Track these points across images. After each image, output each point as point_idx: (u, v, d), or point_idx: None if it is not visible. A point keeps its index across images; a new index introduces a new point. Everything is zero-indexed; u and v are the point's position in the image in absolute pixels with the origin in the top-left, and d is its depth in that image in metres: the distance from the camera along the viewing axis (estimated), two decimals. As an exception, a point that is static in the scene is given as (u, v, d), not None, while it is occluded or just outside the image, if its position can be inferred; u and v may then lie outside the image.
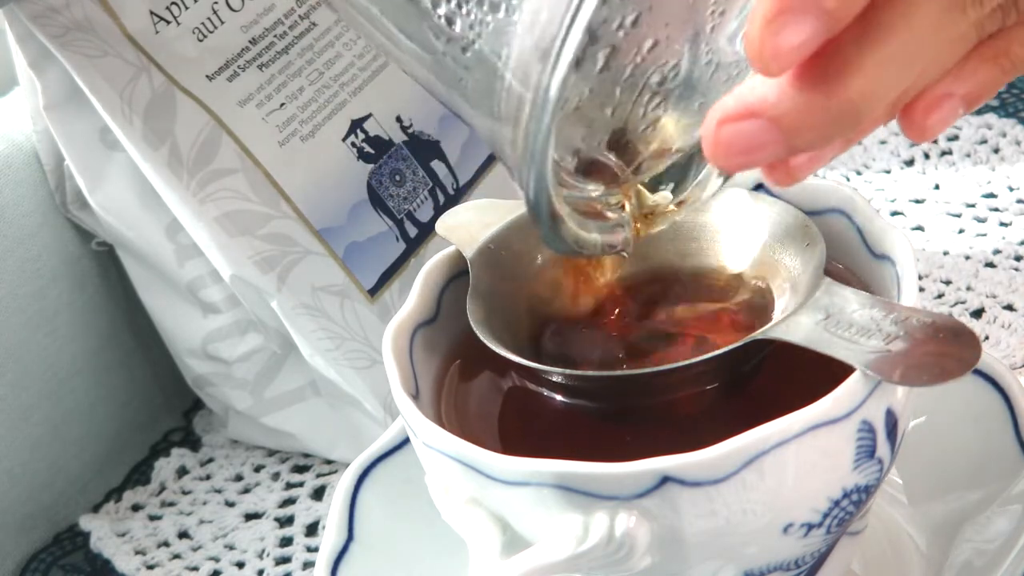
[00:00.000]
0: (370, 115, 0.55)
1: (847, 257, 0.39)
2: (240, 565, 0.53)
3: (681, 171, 0.37)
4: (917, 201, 0.62)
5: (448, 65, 0.32)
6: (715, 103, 0.30)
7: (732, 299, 0.39)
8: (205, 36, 0.52)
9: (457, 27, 0.31)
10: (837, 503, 0.34)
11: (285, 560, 0.53)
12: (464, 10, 0.31)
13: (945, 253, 0.59)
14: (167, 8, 0.52)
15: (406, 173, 0.55)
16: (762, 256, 0.39)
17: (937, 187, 0.63)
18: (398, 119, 0.55)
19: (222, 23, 0.53)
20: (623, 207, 0.37)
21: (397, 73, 0.56)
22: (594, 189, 0.36)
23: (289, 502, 0.55)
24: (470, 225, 0.41)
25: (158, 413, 0.60)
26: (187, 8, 0.52)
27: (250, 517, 0.55)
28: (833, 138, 0.30)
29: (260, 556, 0.53)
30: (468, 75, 0.31)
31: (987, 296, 0.56)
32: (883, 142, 0.66)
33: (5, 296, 0.53)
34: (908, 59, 0.30)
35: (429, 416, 0.35)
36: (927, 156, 0.64)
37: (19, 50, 0.50)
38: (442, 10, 0.31)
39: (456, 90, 0.32)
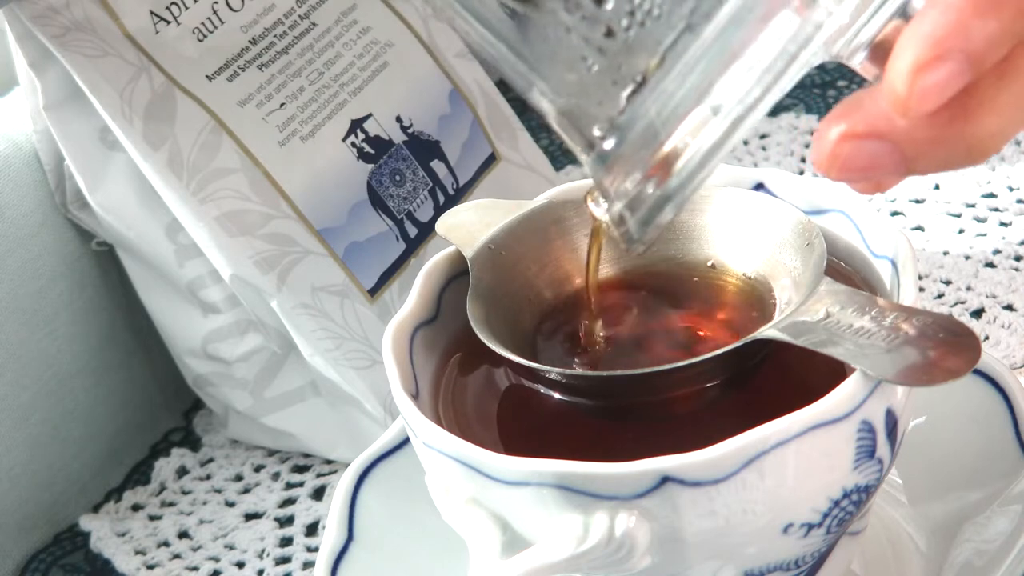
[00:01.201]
0: (370, 115, 0.55)
1: (847, 257, 0.39)
2: (240, 565, 0.53)
3: None
4: (917, 201, 0.62)
5: (570, 42, 0.30)
6: (831, 113, 0.30)
7: (732, 299, 0.39)
8: (205, 36, 0.52)
9: (609, 5, 0.30)
10: (837, 503, 0.34)
11: (285, 560, 0.53)
12: None
13: (945, 253, 0.59)
14: (167, 8, 0.52)
15: (406, 173, 0.55)
16: (762, 256, 0.39)
17: (937, 187, 0.63)
18: (398, 119, 0.55)
19: (222, 23, 0.53)
20: None
21: (397, 73, 0.56)
22: None
23: (289, 502, 0.55)
24: (470, 225, 0.41)
25: (158, 413, 0.60)
26: (187, 8, 0.52)
27: (250, 517, 0.55)
28: (952, 169, 0.30)
29: (260, 556, 0.53)
30: (601, 59, 0.30)
31: (987, 296, 0.56)
32: (883, 142, 0.66)
33: (5, 296, 0.53)
34: None
35: (429, 416, 0.35)
36: (927, 156, 0.64)
37: (19, 50, 0.50)
38: None
39: (566, 70, 0.31)
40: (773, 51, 0.29)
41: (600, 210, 0.33)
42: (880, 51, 0.30)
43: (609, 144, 0.31)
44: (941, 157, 0.30)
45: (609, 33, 0.30)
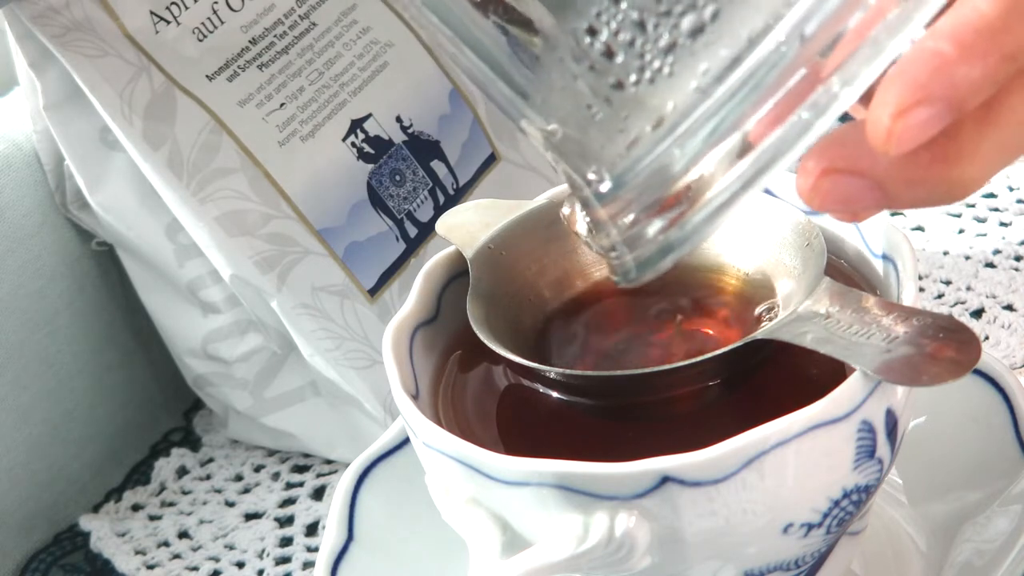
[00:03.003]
0: (370, 115, 0.55)
1: (847, 257, 0.39)
2: (240, 565, 0.53)
3: None
4: (917, 201, 0.62)
5: (576, 89, 0.30)
6: (815, 147, 0.30)
7: (732, 299, 0.39)
8: (205, 36, 0.52)
9: (619, 58, 0.30)
10: (837, 503, 0.34)
11: (285, 560, 0.53)
12: (637, 46, 0.29)
13: (945, 253, 0.59)
14: (167, 8, 0.52)
15: (406, 173, 0.55)
16: (763, 256, 0.39)
17: (937, 187, 0.63)
18: (398, 119, 0.55)
19: (222, 23, 0.53)
20: None
21: (397, 73, 0.56)
22: None
23: (289, 502, 0.55)
24: (470, 225, 0.41)
25: (158, 413, 0.60)
26: (187, 8, 0.52)
27: (250, 517, 0.55)
28: (932, 206, 0.30)
29: (260, 556, 0.53)
30: (607, 109, 0.30)
31: (987, 296, 0.56)
32: (883, 142, 0.66)
33: (5, 296, 0.53)
34: (1022, 142, 0.30)
35: (429, 416, 0.35)
36: (927, 156, 0.64)
37: (19, 50, 0.50)
38: (604, 37, 0.30)
39: (569, 113, 0.31)
40: (789, 120, 0.29)
41: (582, 224, 0.33)
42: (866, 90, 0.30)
43: (605, 187, 0.31)
44: (920, 196, 0.30)
45: (618, 85, 0.30)
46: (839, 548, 0.38)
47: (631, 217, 0.31)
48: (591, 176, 0.31)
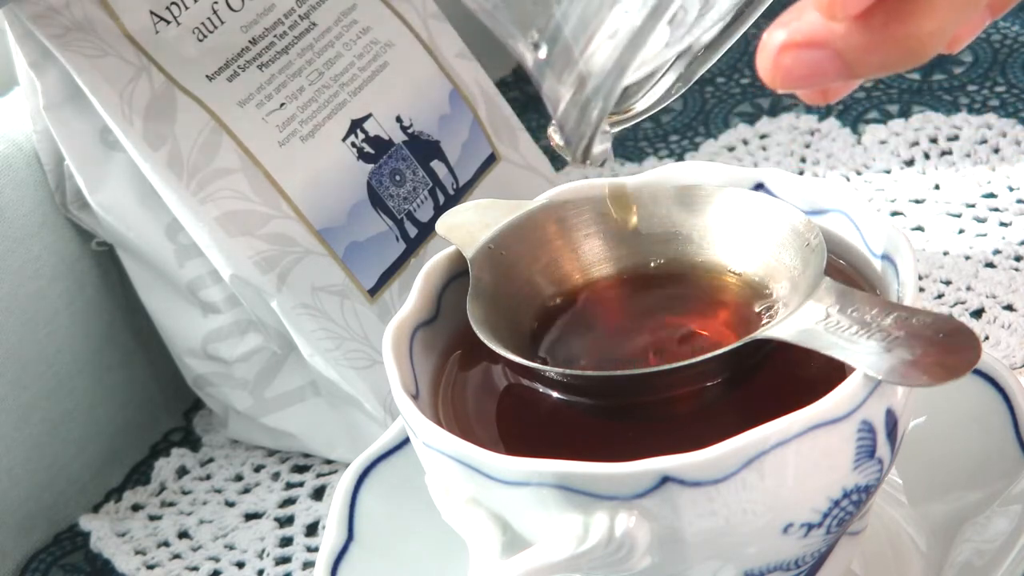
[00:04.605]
0: (370, 115, 0.55)
1: (847, 257, 0.39)
2: (240, 565, 0.53)
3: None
4: (917, 201, 0.62)
5: None
6: (773, 24, 0.30)
7: (732, 299, 0.39)
8: (205, 36, 0.52)
9: None
10: (837, 503, 0.34)
11: (285, 560, 0.53)
12: None
13: (945, 253, 0.59)
14: (167, 8, 0.52)
15: (406, 173, 0.55)
16: (762, 256, 0.39)
17: (937, 187, 0.63)
18: (398, 119, 0.55)
19: (222, 23, 0.53)
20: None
21: (397, 73, 0.56)
22: None
23: (289, 502, 0.55)
24: (470, 225, 0.41)
25: (158, 413, 0.60)
26: (187, 8, 0.52)
27: (250, 517, 0.55)
28: (894, 71, 0.30)
29: (260, 556, 0.53)
30: None
31: (987, 296, 0.56)
32: (883, 142, 0.66)
33: (5, 296, 0.53)
34: None
35: (429, 416, 0.35)
36: (927, 156, 0.64)
37: (19, 50, 0.50)
38: None
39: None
40: None
41: (556, 134, 0.32)
42: None
43: (543, 52, 0.30)
44: (880, 60, 0.30)
45: None
46: (839, 548, 0.38)
47: (565, 80, 0.30)
48: (533, 42, 0.30)
